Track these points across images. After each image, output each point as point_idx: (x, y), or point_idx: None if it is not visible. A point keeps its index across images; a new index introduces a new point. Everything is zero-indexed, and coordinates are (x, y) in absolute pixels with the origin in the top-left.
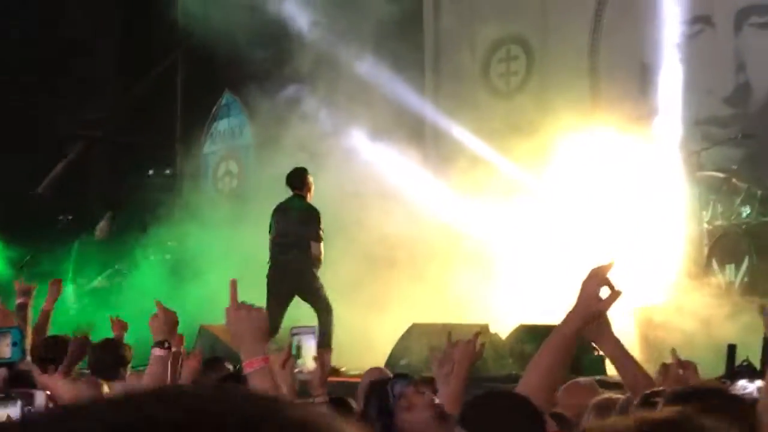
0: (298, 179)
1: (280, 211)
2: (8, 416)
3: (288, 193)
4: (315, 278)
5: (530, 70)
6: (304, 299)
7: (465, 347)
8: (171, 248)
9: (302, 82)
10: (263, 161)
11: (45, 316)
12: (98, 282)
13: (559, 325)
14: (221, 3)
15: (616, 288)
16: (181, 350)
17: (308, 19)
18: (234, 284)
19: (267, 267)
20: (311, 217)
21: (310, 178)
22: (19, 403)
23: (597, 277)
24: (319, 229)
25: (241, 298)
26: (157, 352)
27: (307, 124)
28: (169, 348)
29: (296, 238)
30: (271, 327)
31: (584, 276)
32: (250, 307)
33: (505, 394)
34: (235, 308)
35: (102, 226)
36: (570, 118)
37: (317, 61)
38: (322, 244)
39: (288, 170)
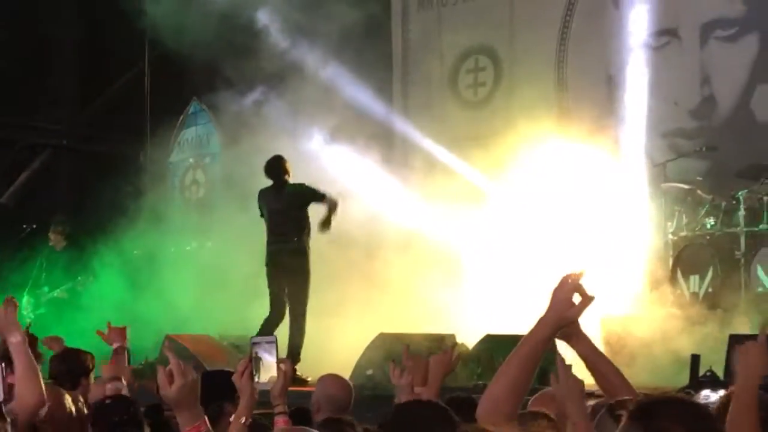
0: (277, 169)
1: (269, 198)
2: None
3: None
4: (309, 273)
5: (498, 81)
6: (291, 291)
7: (440, 358)
8: (134, 257)
9: (270, 89)
10: (229, 170)
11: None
12: (58, 292)
13: (529, 332)
14: (190, 11)
15: (588, 294)
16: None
17: (276, 26)
18: (173, 353)
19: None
20: (302, 195)
21: (288, 164)
22: None
23: (569, 284)
24: (317, 193)
25: (210, 303)
26: None
27: (273, 132)
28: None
29: (294, 224)
30: (277, 314)
31: (555, 283)
32: (186, 374)
33: (425, 403)
34: (173, 377)
35: (53, 235)
36: (537, 129)
37: (285, 69)
38: (326, 201)
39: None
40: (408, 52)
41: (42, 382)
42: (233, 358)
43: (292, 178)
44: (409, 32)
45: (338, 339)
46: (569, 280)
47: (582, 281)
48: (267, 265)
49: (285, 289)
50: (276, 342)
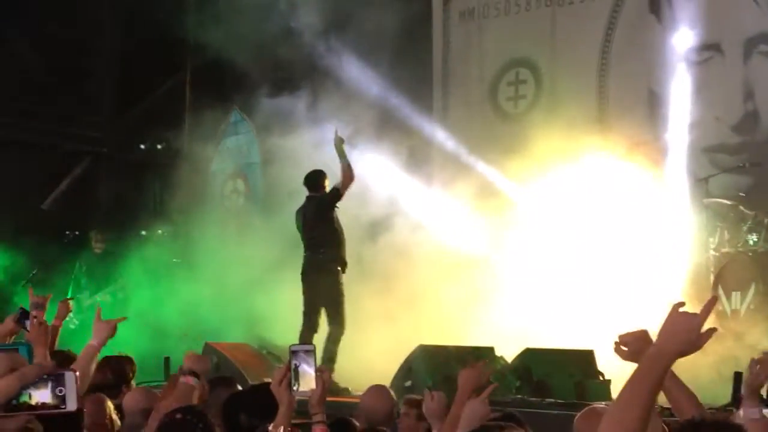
0: (316, 181)
1: (304, 212)
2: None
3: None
4: (339, 285)
5: (538, 94)
6: (323, 305)
7: (469, 373)
8: (173, 264)
9: (312, 101)
10: (270, 179)
11: (54, 332)
12: (100, 296)
13: (646, 367)
14: (232, 20)
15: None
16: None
17: (318, 36)
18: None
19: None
20: (323, 202)
21: (327, 181)
22: (50, 384)
23: (693, 315)
24: (335, 198)
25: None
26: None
27: (314, 142)
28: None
29: (324, 236)
30: (311, 326)
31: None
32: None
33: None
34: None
35: (94, 240)
36: (578, 143)
37: (327, 78)
38: (349, 167)
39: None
40: (448, 63)
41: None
42: (272, 367)
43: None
44: (450, 43)
45: (378, 349)
46: (700, 314)
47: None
48: (301, 275)
49: (317, 300)
50: (314, 351)
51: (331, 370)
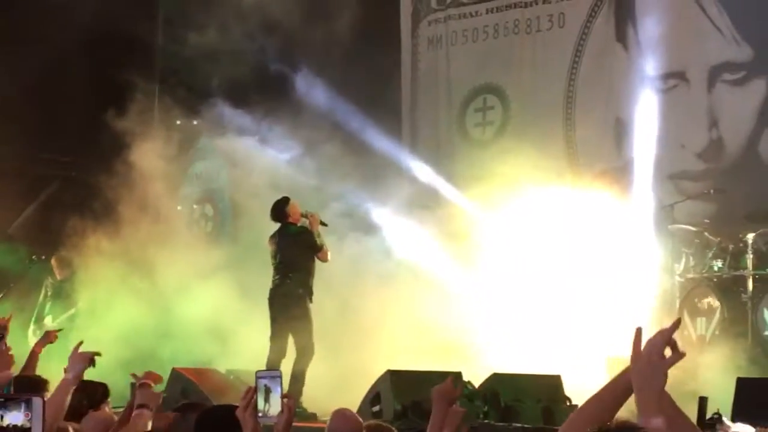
0: (280, 212)
1: (276, 239)
2: (9, 423)
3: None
4: (307, 311)
5: (506, 120)
6: (291, 331)
7: (441, 388)
8: (140, 288)
9: (278, 125)
10: (239, 205)
11: (34, 357)
12: (58, 322)
13: (613, 381)
14: (201, 45)
15: (680, 350)
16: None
17: (288, 62)
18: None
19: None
20: (303, 239)
21: (290, 207)
22: (23, 407)
23: (662, 336)
24: (315, 243)
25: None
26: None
27: (280, 168)
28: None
29: (294, 263)
30: (279, 352)
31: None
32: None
33: None
34: None
35: (55, 265)
36: (545, 169)
37: (294, 105)
38: (326, 250)
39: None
40: (417, 89)
41: None
42: (239, 392)
43: (299, 219)
44: (419, 70)
45: (346, 375)
46: (663, 333)
47: (674, 335)
48: (269, 300)
49: (285, 326)
50: (281, 376)
51: (299, 395)
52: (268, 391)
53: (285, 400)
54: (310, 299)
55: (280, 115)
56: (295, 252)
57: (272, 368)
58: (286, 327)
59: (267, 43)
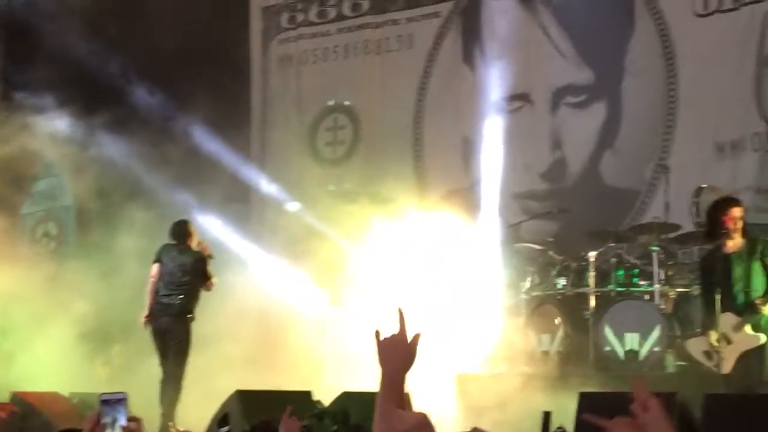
0: (183, 232)
1: (168, 258)
2: None
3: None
4: (189, 333)
5: (357, 140)
6: (172, 350)
7: (287, 424)
8: None
9: (129, 142)
10: (84, 224)
11: None
12: None
13: (384, 388)
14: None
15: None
16: None
17: (133, 77)
18: None
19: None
20: (200, 266)
21: (192, 229)
22: None
23: (399, 330)
24: (208, 272)
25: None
26: None
27: (129, 185)
28: None
29: (185, 286)
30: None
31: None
32: None
33: None
34: None
35: None
36: (394, 188)
37: (145, 121)
38: (214, 282)
39: (112, 236)
40: (267, 107)
41: None
42: (84, 417)
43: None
44: (269, 88)
45: (196, 396)
46: (399, 331)
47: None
48: (152, 320)
49: (169, 345)
50: (126, 399)
51: (173, 418)
52: (112, 415)
53: (131, 423)
54: (192, 321)
55: (118, 128)
56: (190, 276)
57: (163, 386)
58: (171, 346)
59: (109, 55)
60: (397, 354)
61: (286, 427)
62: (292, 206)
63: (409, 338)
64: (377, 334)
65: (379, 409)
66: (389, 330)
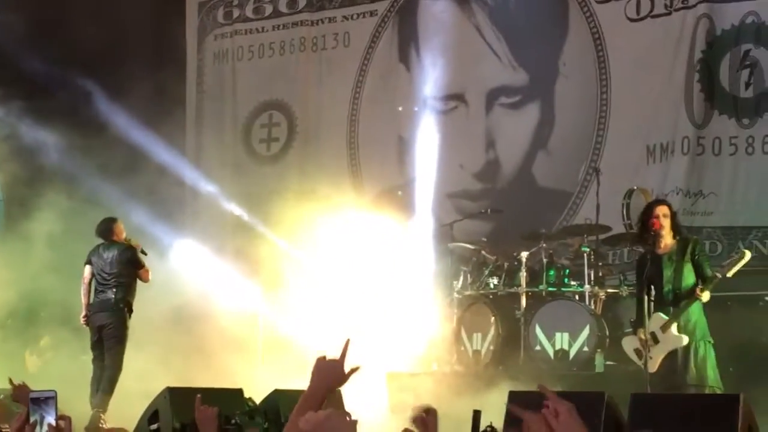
0: (107, 230)
1: (97, 256)
2: None
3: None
4: (126, 326)
5: (291, 137)
6: (107, 343)
7: (202, 412)
8: None
9: (62, 137)
10: (14, 219)
11: None
12: None
13: (305, 401)
14: None
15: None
16: None
17: (69, 71)
18: None
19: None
20: (128, 256)
21: (116, 226)
22: None
23: (340, 357)
24: (138, 259)
25: None
26: None
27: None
28: None
29: (116, 278)
30: (101, 368)
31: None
32: None
33: None
34: None
35: None
36: (329, 187)
37: (80, 119)
38: (148, 269)
39: (44, 232)
40: (202, 103)
41: None
42: (13, 415)
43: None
44: (204, 84)
45: (128, 393)
46: (340, 358)
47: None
48: (89, 316)
49: (103, 339)
50: (55, 397)
51: (105, 410)
52: (41, 413)
53: (60, 422)
54: (129, 315)
55: (63, 128)
56: (119, 267)
57: (95, 382)
58: (106, 340)
59: (40, 44)
60: (330, 377)
61: (202, 415)
62: (227, 203)
63: (347, 369)
64: (323, 357)
65: (292, 416)
66: (331, 353)
